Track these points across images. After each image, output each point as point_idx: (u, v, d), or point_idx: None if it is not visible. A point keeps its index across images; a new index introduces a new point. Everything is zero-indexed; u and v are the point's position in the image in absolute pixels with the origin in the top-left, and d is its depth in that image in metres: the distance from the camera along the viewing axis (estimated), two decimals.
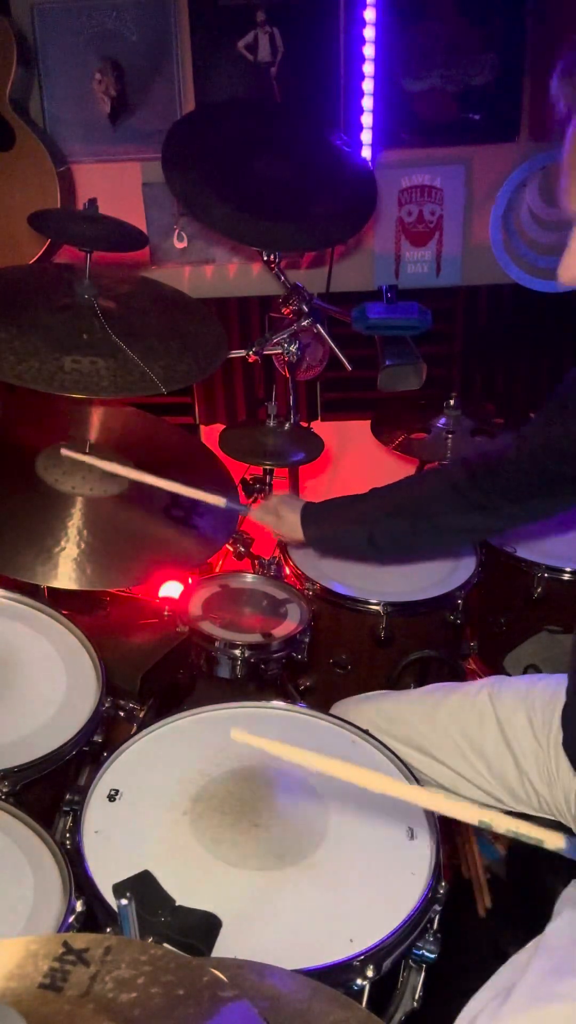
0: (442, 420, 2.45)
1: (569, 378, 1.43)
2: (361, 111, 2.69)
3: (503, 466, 1.57)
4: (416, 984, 1.25)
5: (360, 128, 2.71)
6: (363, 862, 1.30)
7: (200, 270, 2.90)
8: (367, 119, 2.70)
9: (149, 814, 1.35)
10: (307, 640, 1.90)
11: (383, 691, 1.75)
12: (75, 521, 1.74)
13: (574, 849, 1.00)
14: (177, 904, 1.18)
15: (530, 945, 1.18)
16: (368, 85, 2.66)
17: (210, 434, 2.91)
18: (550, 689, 1.54)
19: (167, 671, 1.83)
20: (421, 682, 1.95)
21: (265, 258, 2.32)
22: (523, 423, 1.57)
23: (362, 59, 2.64)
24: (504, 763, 1.52)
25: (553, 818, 1.49)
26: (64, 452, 1.77)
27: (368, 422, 2.51)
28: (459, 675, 2.11)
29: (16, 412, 2.03)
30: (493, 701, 1.57)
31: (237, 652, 1.83)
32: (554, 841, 0.99)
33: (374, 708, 1.65)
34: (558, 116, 1.08)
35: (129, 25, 2.63)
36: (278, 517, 1.82)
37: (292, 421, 2.35)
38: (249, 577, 2.07)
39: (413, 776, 1.43)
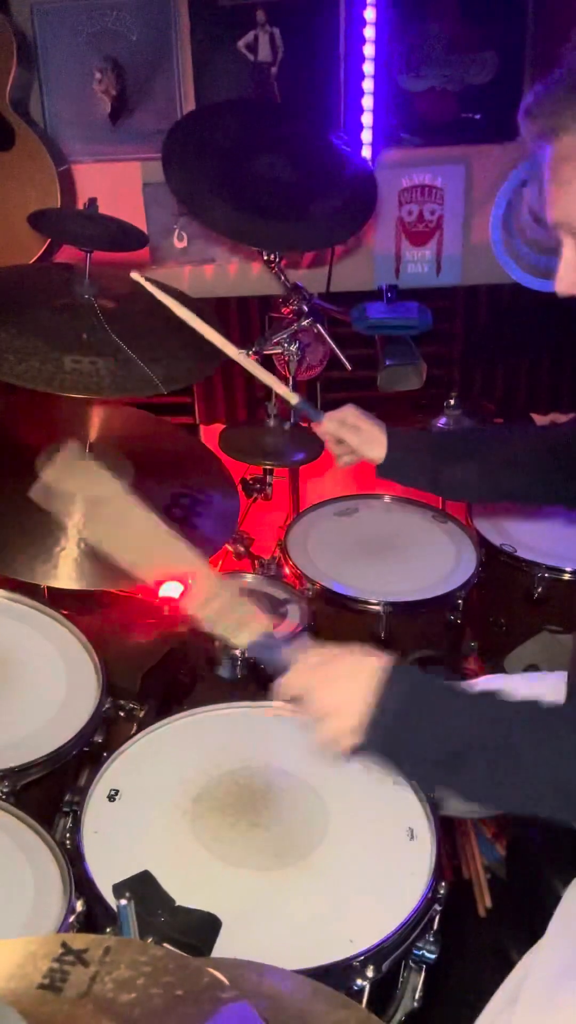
0: (442, 420, 2.45)
1: None
2: (361, 111, 2.69)
3: (560, 443, 1.59)
4: (416, 984, 1.24)
5: (360, 128, 2.71)
6: (363, 862, 1.30)
7: (200, 270, 2.90)
8: (367, 119, 2.70)
9: (149, 814, 1.35)
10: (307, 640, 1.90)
11: None
12: (75, 521, 1.74)
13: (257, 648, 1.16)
14: (177, 904, 1.18)
15: (533, 950, 1.18)
16: (368, 85, 2.66)
17: (210, 434, 2.91)
18: (551, 687, 1.54)
19: (167, 671, 1.83)
20: None
21: (265, 258, 2.32)
22: (523, 423, 1.58)
23: (362, 59, 2.64)
24: None
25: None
26: (133, 275, 1.69)
27: None
28: (459, 675, 2.10)
29: (16, 412, 2.03)
30: None
31: (237, 652, 1.83)
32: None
33: None
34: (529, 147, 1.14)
35: (129, 25, 2.63)
36: (358, 429, 1.70)
37: (292, 421, 2.35)
38: (249, 577, 2.07)
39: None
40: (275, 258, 2.29)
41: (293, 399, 1.73)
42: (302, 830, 1.33)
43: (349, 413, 1.71)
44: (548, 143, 1.11)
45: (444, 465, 1.71)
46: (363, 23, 2.60)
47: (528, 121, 1.12)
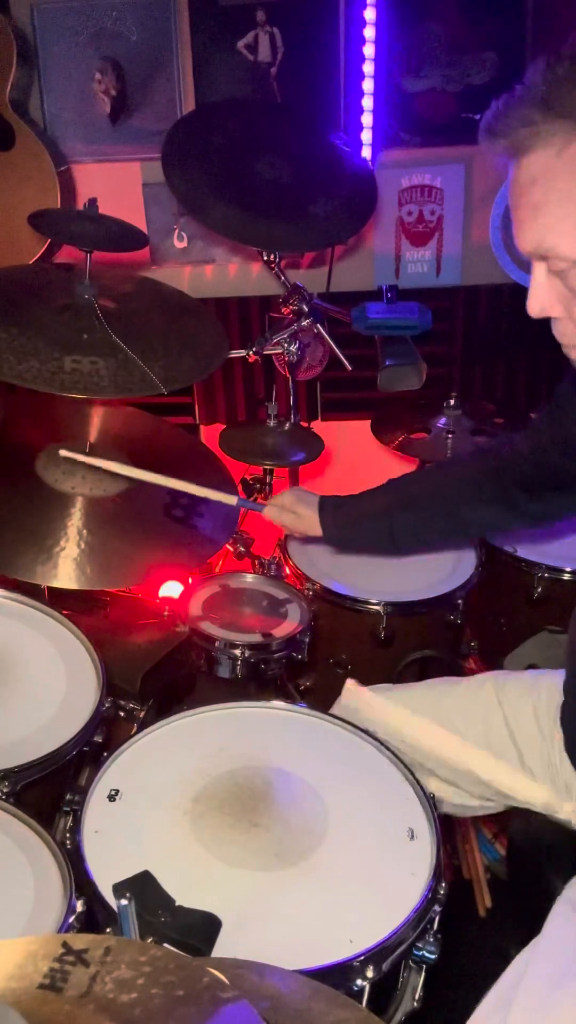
0: (442, 420, 2.45)
1: (570, 375, 1.44)
2: (361, 111, 2.69)
3: (517, 461, 1.59)
4: (416, 984, 1.24)
5: (360, 128, 2.71)
6: (363, 862, 1.30)
7: (200, 270, 2.90)
8: (367, 119, 2.70)
9: (149, 814, 1.35)
10: (307, 640, 1.90)
11: (385, 684, 1.75)
12: (75, 521, 1.74)
13: None
14: (177, 904, 1.18)
15: (527, 949, 1.18)
16: (368, 85, 2.66)
17: (210, 434, 2.91)
18: (555, 683, 1.54)
19: (167, 671, 1.83)
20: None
21: (265, 258, 2.32)
22: (523, 423, 1.58)
23: (362, 59, 2.64)
24: (509, 756, 1.52)
25: (554, 814, 1.49)
26: (63, 453, 1.72)
27: (368, 422, 2.51)
28: (459, 675, 2.10)
29: (16, 412, 2.03)
30: (498, 693, 1.57)
31: (237, 652, 1.83)
32: None
33: (375, 705, 1.65)
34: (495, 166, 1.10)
35: (129, 25, 2.63)
36: (296, 515, 1.78)
37: (292, 421, 2.35)
38: (249, 577, 2.07)
39: (413, 775, 1.43)
40: (275, 258, 2.29)
41: (232, 500, 1.79)
42: (302, 830, 1.33)
43: (290, 500, 1.79)
44: (510, 161, 1.07)
45: (394, 519, 1.72)
46: (363, 23, 2.60)
47: (489, 140, 1.07)
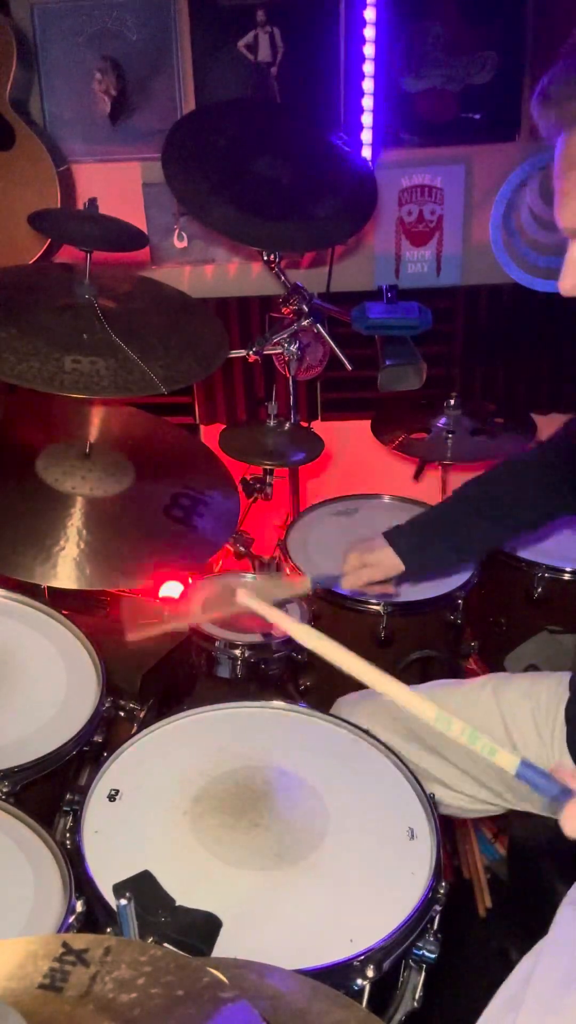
0: (442, 420, 2.45)
1: None
2: (361, 111, 2.69)
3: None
4: (416, 984, 1.24)
5: (360, 128, 2.71)
6: (363, 862, 1.30)
7: (200, 270, 2.90)
8: (367, 119, 2.70)
9: (149, 814, 1.35)
10: None
11: None
12: (75, 521, 1.74)
13: (527, 771, 0.99)
14: (177, 904, 1.18)
15: (534, 951, 1.18)
16: (368, 85, 2.66)
17: (210, 434, 2.91)
18: (554, 685, 1.54)
19: (167, 671, 1.83)
20: (421, 682, 1.95)
21: (265, 258, 2.32)
22: (524, 422, 1.58)
23: (362, 59, 2.64)
24: None
25: (555, 816, 1.49)
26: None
27: (368, 422, 2.51)
28: (459, 675, 2.11)
29: (16, 412, 2.03)
30: (497, 696, 1.57)
31: (237, 652, 1.83)
32: (507, 759, 0.99)
33: (375, 705, 1.65)
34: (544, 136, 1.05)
35: (129, 25, 2.63)
36: (371, 568, 1.70)
37: (292, 421, 2.35)
38: (249, 577, 2.07)
39: (414, 775, 1.43)
40: (275, 258, 2.29)
41: (308, 586, 1.73)
42: (302, 830, 1.33)
43: (357, 559, 1.71)
44: (562, 132, 1.02)
45: (461, 538, 1.70)
46: (363, 23, 2.60)
47: (542, 106, 1.02)
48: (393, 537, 1.70)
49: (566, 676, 1.52)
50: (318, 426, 2.89)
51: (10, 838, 1.30)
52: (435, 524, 1.73)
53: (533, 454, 1.77)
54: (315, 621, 1.95)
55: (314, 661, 2.02)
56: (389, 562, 1.69)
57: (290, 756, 1.46)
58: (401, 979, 1.24)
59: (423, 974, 1.24)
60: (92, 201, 1.71)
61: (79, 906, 1.18)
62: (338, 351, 2.29)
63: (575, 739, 1.44)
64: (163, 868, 1.23)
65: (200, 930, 1.15)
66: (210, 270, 2.90)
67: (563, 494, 1.65)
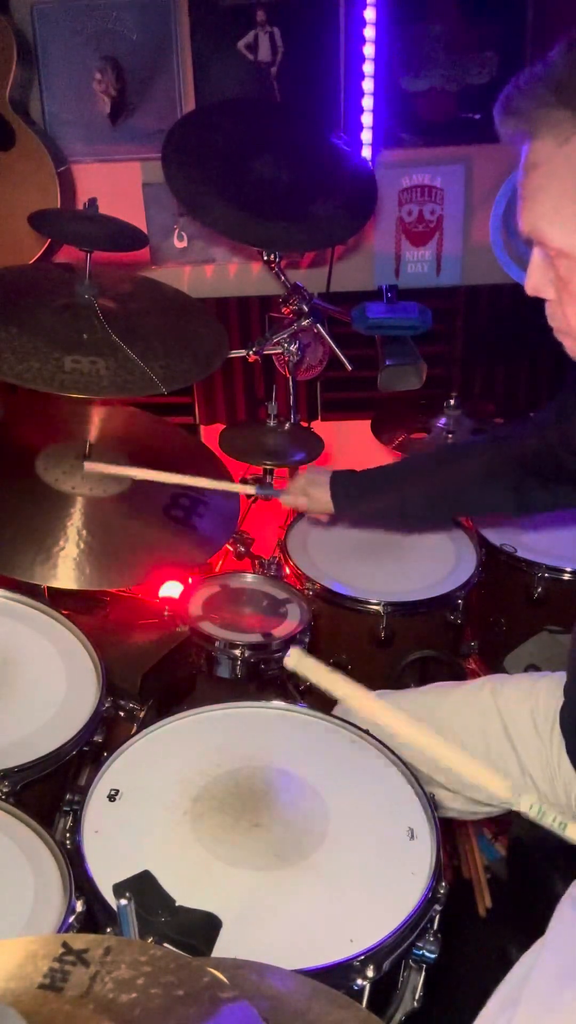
0: (442, 420, 2.45)
1: (572, 374, 1.45)
2: (361, 111, 2.69)
3: (527, 453, 1.62)
4: (416, 984, 1.24)
5: (360, 128, 2.71)
6: (363, 862, 1.30)
7: (200, 270, 2.90)
8: (367, 119, 2.70)
9: (149, 814, 1.35)
10: (307, 640, 1.90)
11: (383, 690, 1.75)
12: (75, 521, 1.74)
13: None
14: (177, 904, 1.18)
15: (532, 949, 1.18)
16: (368, 85, 2.66)
17: (210, 434, 2.91)
18: (553, 685, 1.54)
19: (167, 671, 1.83)
20: (421, 682, 1.95)
21: (265, 258, 2.32)
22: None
23: (362, 59, 2.64)
24: (507, 759, 1.52)
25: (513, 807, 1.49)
26: (88, 468, 1.78)
27: (368, 422, 2.51)
28: (459, 675, 2.10)
29: (16, 412, 2.03)
30: (496, 697, 1.57)
31: (237, 652, 1.83)
32: None
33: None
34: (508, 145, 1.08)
35: (129, 25, 2.63)
36: (308, 498, 1.82)
37: (292, 421, 2.35)
38: (249, 577, 2.07)
39: (413, 776, 1.43)
40: (275, 258, 2.29)
41: (251, 490, 1.93)
42: (302, 830, 1.33)
43: (302, 484, 1.84)
44: (524, 143, 1.06)
45: (406, 494, 1.75)
46: (363, 23, 2.60)
47: (503, 115, 1.06)
48: (336, 482, 1.79)
49: (564, 676, 1.52)
50: (318, 426, 2.89)
51: (10, 838, 1.30)
52: (377, 482, 1.80)
53: (484, 447, 1.79)
54: (315, 621, 1.95)
55: None
56: (325, 501, 1.80)
57: (290, 756, 1.46)
58: (401, 979, 1.24)
59: (423, 974, 1.24)
60: (92, 201, 1.71)
61: (79, 906, 1.18)
62: (338, 351, 2.29)
63: (571, 742, 1.44)
64: (163, 868, 1.23)
65: (200, 930, 1.15)
66: (210, 270, 2.90)
67: (500, 492, 1.68)
